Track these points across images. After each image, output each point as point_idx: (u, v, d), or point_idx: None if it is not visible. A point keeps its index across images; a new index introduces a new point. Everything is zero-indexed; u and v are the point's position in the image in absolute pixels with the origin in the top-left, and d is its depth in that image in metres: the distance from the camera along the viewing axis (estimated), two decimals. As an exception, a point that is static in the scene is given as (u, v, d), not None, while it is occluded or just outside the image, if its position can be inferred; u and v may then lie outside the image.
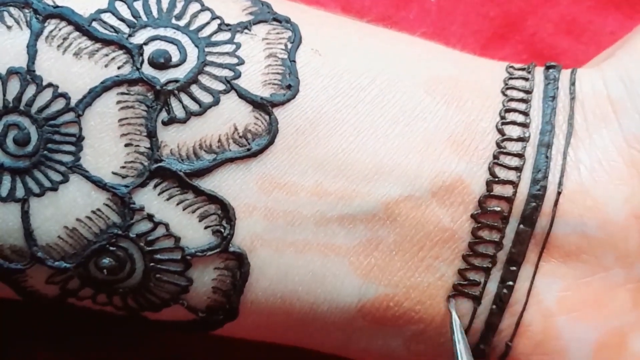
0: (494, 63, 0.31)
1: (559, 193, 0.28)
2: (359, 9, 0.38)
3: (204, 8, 0.29)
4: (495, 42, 0.38)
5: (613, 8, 0.38)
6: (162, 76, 0.28)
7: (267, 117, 0.28)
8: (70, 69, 0.27)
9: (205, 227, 0.28)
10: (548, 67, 0.30)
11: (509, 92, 0.30)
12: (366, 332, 0.29)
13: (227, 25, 0.29)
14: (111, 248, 0.28)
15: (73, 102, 0.27)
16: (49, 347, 0.35)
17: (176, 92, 0.28)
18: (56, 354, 0.35)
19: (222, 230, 0.28)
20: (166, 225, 0.28)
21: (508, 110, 0.29)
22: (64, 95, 0.27)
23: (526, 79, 0.30)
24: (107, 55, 0.27)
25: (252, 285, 0.28)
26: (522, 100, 0.29)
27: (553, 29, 0.38)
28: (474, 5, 0.38)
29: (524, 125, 0.29)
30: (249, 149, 0.28)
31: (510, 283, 0.29)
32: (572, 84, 0.30)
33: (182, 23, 0.28)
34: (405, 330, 0.29)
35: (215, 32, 0.28)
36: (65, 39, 0.27)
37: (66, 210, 0.27)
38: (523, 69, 0.31)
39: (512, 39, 0.38)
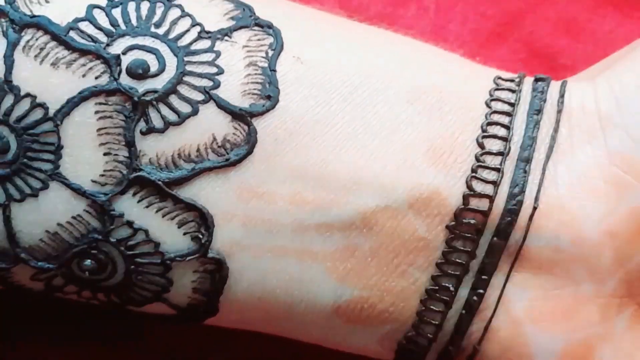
0: (482, 72, 0.31)
1: (534, 208, 0.29)
2: (357, 7, 0.37)
3: (184, 14, 0.28)
4: (493, 40, 0.37)
5: (611, 7, 0.37)
6: (141, 86, 0.27)
7: (246, 127, 0.28)
8: (48, 79, 0.27)
9: (185, 234, 0.28)
10: (537, 80, 0.30)
11: (493, 104, 0.29)
12: (342, 329, 0.30)
13: (207, 32, 0.28)
14: (92, 251, 0.28)
15: (51, 112, 0.27)
16: (47, 345, 0.36)
17: (154, 102, 0.27)
18: (54, 353, 0.36)
19: (201, 236, 0.28)
20: (146, 232, 0.28)
21: (490, 124, 0.29)
22: (42, 105, 0.27)
23: (513, 91, 0.30)
24: (84, 65, 0.27)
25: (231, 287, 0.29)
26: (505, 113, 0.29)
27: (551, 27, 0.38)
28: (472, 4, 0.37)
29: (505, 139, 0.29)
30: (227, 159, 0.28)
31: (481, 291, 0.29)
32: (561, 96, 0.29)
33: (161, 31, 0.28)
34: (379, 329, 0.30)
35: (194, 40, 0.28)
36: (42, 49, 0.27)
37: (47, 215, 0.28)
38: (512, 80, 0.30)
39: (510, 37, 0.37)
